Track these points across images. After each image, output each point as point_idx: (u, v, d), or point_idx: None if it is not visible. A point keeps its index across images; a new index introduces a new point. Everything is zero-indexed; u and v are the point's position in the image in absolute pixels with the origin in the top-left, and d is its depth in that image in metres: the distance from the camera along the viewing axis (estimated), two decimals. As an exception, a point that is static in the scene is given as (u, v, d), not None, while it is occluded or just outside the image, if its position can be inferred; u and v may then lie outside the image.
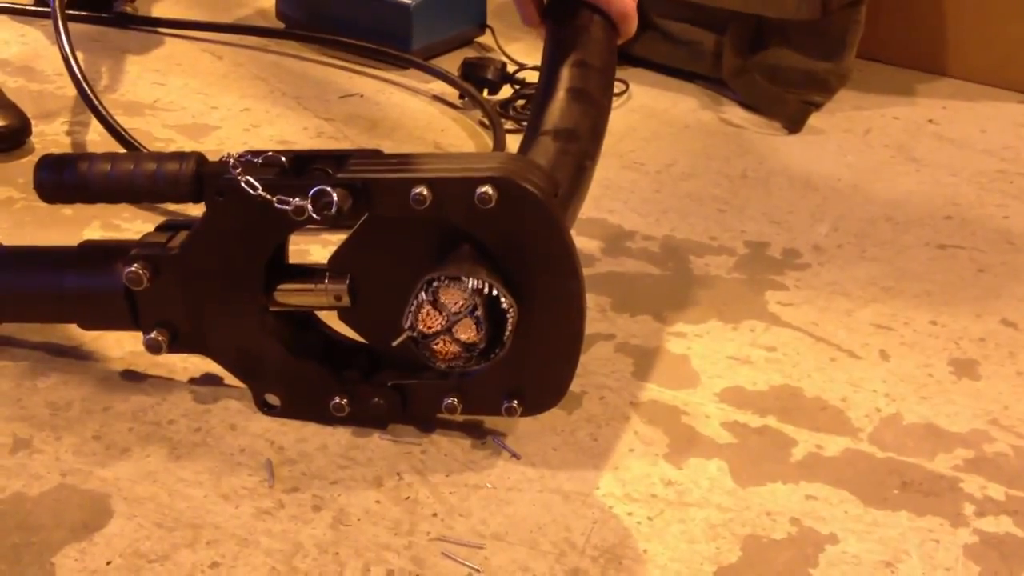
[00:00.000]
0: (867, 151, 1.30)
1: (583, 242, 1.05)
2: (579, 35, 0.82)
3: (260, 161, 0.72)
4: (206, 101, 1.28)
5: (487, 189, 0.67)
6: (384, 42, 1.40)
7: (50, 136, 1.17)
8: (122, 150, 1.07)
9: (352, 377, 0.77)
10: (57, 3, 1.11)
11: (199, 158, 0.74)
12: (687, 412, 0.83)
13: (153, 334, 0.76)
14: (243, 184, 0.69)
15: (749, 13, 1.37)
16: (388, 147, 1.20)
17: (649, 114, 1.36)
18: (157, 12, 1.54)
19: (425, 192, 0.68)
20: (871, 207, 1.17)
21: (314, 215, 0.69)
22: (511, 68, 1.37)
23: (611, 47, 0.84)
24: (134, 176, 0.74)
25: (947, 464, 0.80)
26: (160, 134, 1.19)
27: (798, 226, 1.12)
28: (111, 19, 1.46)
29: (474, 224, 0.69)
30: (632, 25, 0.87)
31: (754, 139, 1.31)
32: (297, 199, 0.69)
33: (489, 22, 1.51)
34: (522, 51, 1.47)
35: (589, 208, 1.11)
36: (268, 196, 0.70)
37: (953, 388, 0.88)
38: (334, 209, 0.68)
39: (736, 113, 1.38)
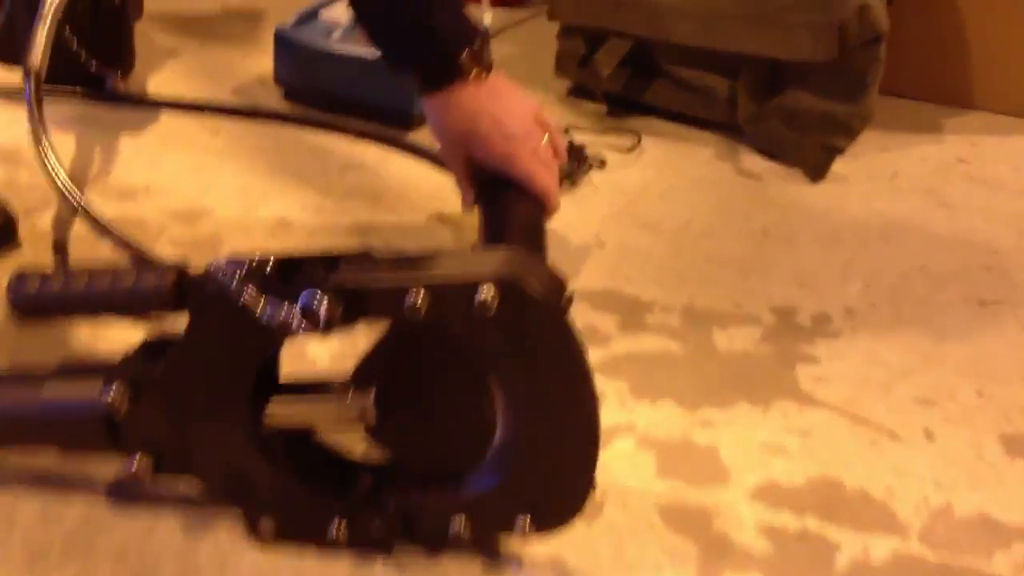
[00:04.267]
0: (895, 197, 1.24)
1: (598, 318, 0.99)
2: (509, 209, 0.93)
3: (245, 269, 0.67)
4: (202, 181, 1.23)
5: (487, 293, 0.62)
6: (384, 111, 1.35)
7: (41, 229, 1.11)
8: (109, 245, 1.02)
9: (353, 497, 0.71)
10: (33, 97, 1.07)
11: (180, 269, 0.69)
12: (719, 515, 0.77)
13: (136, 460, 0.70)
14: (226, 296, 0.64)
15: (763, 56, 1.31)
16: (391, 221, 1.15)
17: (663, 167, 1.30)
18: (153, 84, 1.49)
19: (421, 299, 0.63)
20: (904, 260, 1.10)
21: (302, 328, 0.63)
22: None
23: (539, 218, 0.96)
24: (113, 291, 0.69)
25: (1006, 563, 0.73)
26: (154, 220, 1.13)
27: (827, 286, 1.05)
28: (104, 97, 1.42)
29: (475, 330, 0.63)
30: (554, 202, 0.98)
31: (775, 190, 1.25)
32: (284, 310, 0.64)
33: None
34: (529, 106, 1.42)
35: (604, 279, 1.06)
36: (253, 308, 0.64)
37: (1006, 470, 0.81)
38: (322, 322, 0.63)
39: (755, 161, 1.31)
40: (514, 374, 0.65)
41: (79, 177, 1.22)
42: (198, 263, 1.03)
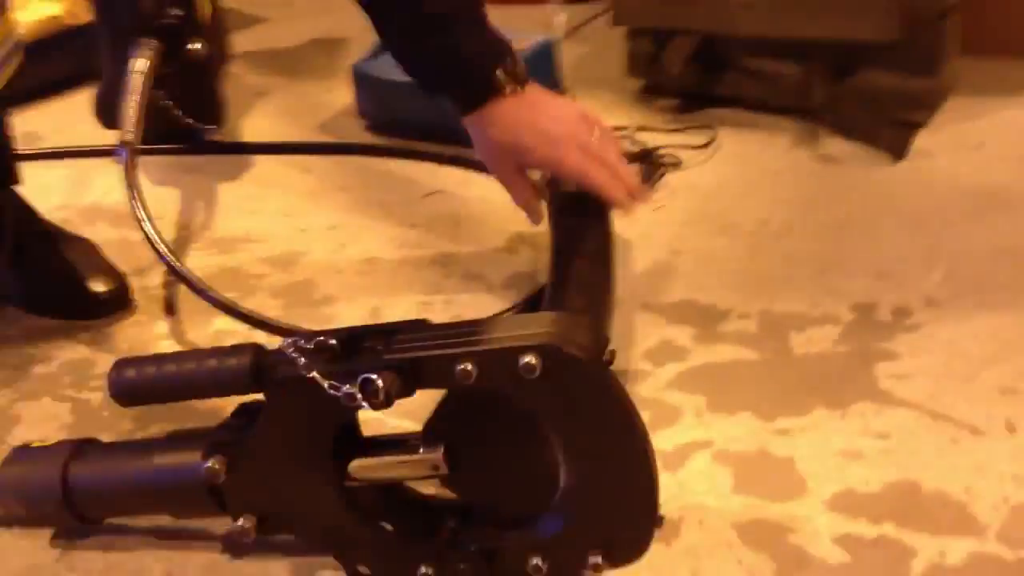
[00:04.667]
0: (982, 170, 1.21)
1: (675, 332, 1.01)
2: (574, 235, 0.98)
3: (312, 346, 0.72)
4: (295, 224, 1.29)
5: (530, 359, 0.65)
6: (462, 133, 1.39)
7: (152, 289, 1.19)
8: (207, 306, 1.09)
9: (438, 540, 0.76)
10: (127, 170, 1.14)
11: (256, 350, 0.75)
12: (794, 529, 0.78)
13: (240, 521, 0.77)
14: (296, 375, 0.70)
15: (832, 40, 1.30)
16: (471, 249, 1.19)
17: (740, 163, 1.30)
18: (246, 127, 1.57)
19: (470, 367, 0.67)
20: (990, 241, 1.08)
21: (363, 403, 0.68)
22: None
23: (606, 240, 1.00)
24: (197, 375, 0.75)
25: (1090, 560, 0.73)
26: (253, 270, 1.20)
27: (909, 276, 1.05)
28: (202, 149, 1.50)
29: (522, 392, 0.67)
30: (616, 195, 0.98)
31: (855, 175, 1.24)
32: (347, 386, 0.69)
33: (566, 84, 1.48)
34: (601, 107, 1.44)
35: (680, 289, 1.07)
36: (321, 386, 0.69)
37: (1091, 459, 0.80)
38: (382, 395, 0.67)
39: (834, 145, 1.30)
40: (566, 427, 0.68)
41: (183, 233, 1.30)
42: (294, 313, 1.10)
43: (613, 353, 0.71)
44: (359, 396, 0.68)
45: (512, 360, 0.66)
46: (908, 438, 0.85)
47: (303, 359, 0.70)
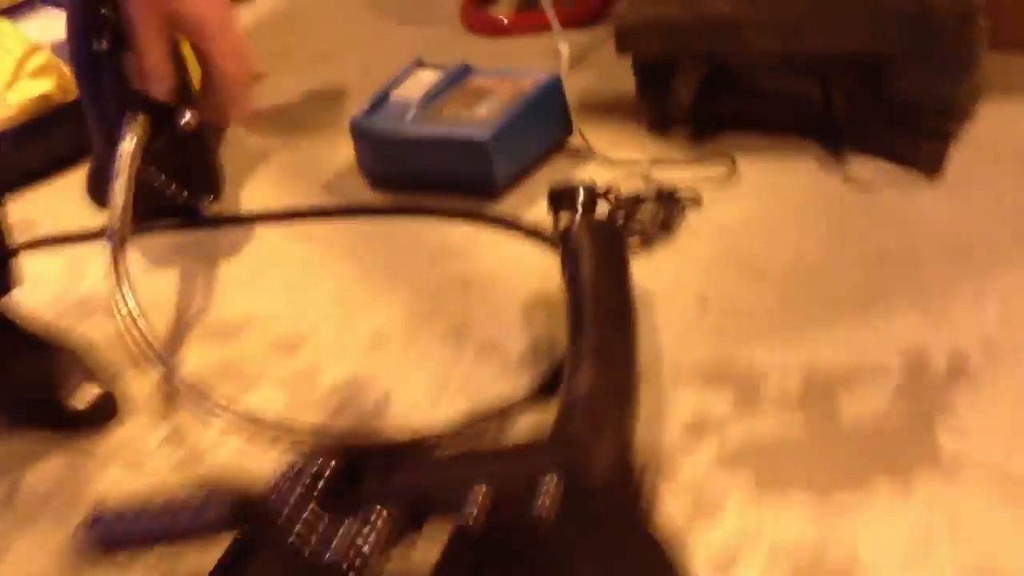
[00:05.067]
0: (1026, 183, 1.12)
1: (710, 398, 0.92)
2: (589, 295, 0.93)
3: (302, 487, 0.64)
4: (298, 301, 1.22)
5: (546, 497, 0.58)
6: (468, 181, 1.32)
7: (143, 393, 1.11)
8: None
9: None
10: (113, 260, 1.07)
11: (233, 503, 0.68)
12: (864, 642, 0.70)
13: (244, 677, 0.69)
14: (279, 539, 0.62)
15: (854, 52, 1.21)
16: (485, 316, 1.11)
17: (764, 194, 1.22)
18: (245, 194, 1.49)
19: (478, 510, 0.59)
20: (1045, 267, 0.99)
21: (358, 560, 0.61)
22: (604, 178, 1.25)
23: (624, 298, 0.95)
24: (173, 528, 0.68)
25: None
26: (254, 358, 1.13)
27: (960, 314, 0.96)
28: (199, 223, 1.43)
29: (543, 529, 0.59)
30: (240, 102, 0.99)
31: (888, 198, 1.15)
32: (331, 553, 0.61)
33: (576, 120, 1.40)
34: (612, 141, 1.35)
35: (712, 345, 0.99)
36: (304, 549, 0.62)
37: None
38: (383, 544, 0.60)
39: (862, 166, 1.21)
40: (591, 562, 0.60)
41: (181, 320, 1.22)
42: (299, 406, 1.03)
43: (644, 468, 0.63)
44: (355, 552, 0.60)
45: (527, 497, 0.58)
46: (981, 513, 0.77)
47: (287, 509, 0.62)
